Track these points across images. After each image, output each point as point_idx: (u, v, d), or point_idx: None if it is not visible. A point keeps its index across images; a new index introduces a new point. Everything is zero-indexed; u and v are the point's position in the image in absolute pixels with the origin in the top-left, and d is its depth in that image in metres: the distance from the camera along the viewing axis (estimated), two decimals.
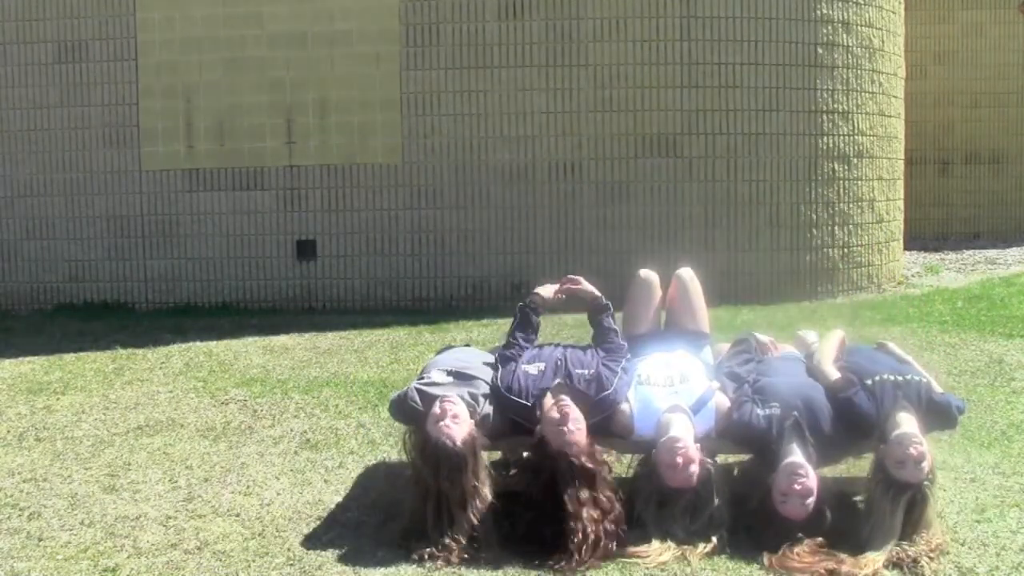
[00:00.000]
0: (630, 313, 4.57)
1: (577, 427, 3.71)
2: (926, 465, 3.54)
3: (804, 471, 3.59)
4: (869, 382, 3.88)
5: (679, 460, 3.62)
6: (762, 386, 3.97)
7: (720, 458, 3.96)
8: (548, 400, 3.88)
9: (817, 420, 3.78)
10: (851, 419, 3.82)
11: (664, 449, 3.67)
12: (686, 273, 4.58)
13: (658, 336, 4.45)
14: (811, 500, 3.57)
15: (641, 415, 3.91)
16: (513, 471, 4.18)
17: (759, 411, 3.82)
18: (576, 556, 3.48)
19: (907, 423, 3.67)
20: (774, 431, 3.72)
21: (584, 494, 3.58)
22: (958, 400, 3.98)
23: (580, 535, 3.50)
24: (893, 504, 3.51)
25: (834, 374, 4.00)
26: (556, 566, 3.49)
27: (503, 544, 3.62)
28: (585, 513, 3.54)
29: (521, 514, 3.72)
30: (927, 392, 3.86)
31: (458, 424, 3.67)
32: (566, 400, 3.82)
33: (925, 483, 3.55)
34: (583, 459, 3.64)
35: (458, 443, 3.63)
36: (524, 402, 3.95)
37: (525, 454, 4.04)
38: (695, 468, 3.64)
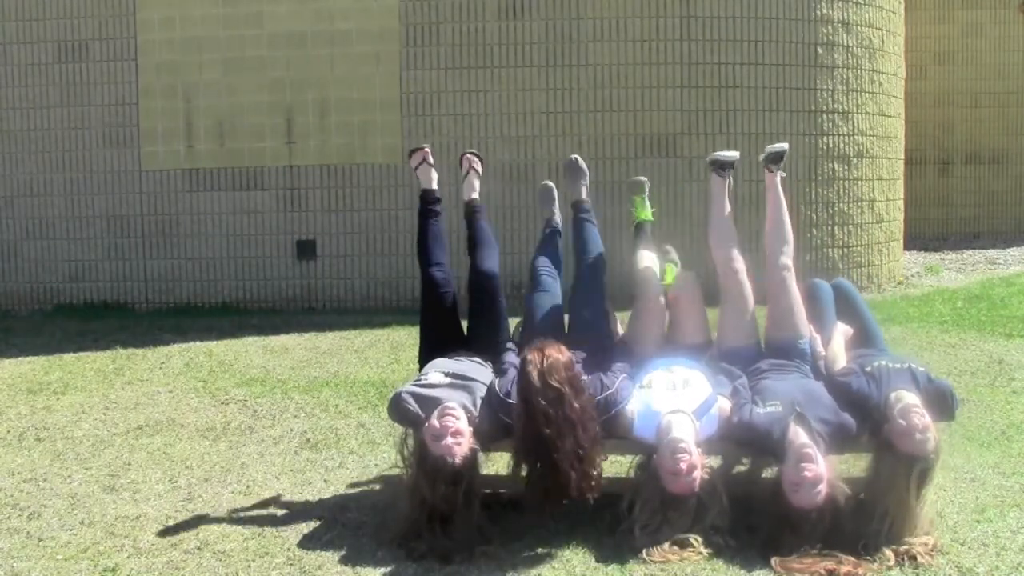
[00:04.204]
0: (635, 328, 4.45)
1: (557, 351, 3.69)
2: (931, 436, 3.54)
3: (811, 454, 3.54)
4: (868, 368, 3.93)
5: (682, 466, 3.55)
6: (762, 388, 3.96)
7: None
8: None
9: (820, 411, 3.78)
10: (851, 402, 3.84)
11: (666, 453, 3.60)
12: (687, 278, 4.47)
13: (661, 352, 4.36)
14: (822, 487, 3.52)
15: (642, 417, 3.82)
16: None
17: (759, 410, 3.80)
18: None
19: (908, 399, 3.69)
20: (776, 430, 3.69)
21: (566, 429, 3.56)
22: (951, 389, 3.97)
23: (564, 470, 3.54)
24: (906, 478, 3.51)
25: (841, 363, 4.10)
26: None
27: (500, 544, 3.62)
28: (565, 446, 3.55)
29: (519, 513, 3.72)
30: (926, 377, 3.87)
31: (459, 443, 3.62)
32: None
33: (931, 456, 3.54)
34: (555, 382, 3.60)
35: (458, 462, 3.59)
36: None
37: None
38: (697, 474, 3.58)
